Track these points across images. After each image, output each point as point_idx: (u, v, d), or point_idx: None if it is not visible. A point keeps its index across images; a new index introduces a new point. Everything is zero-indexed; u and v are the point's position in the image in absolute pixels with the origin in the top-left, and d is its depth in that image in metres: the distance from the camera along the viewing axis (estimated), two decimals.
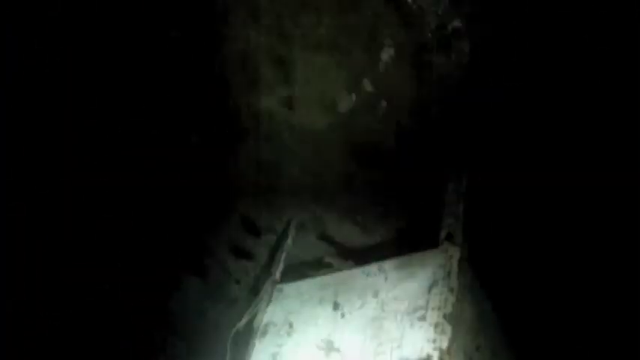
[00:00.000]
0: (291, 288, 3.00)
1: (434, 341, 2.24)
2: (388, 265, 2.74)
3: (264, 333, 2.82)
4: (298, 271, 3.19)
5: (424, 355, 2.22)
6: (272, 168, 3.52)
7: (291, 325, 2.76)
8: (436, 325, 2.30)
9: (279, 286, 3.06)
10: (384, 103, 3.11)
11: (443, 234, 2.68)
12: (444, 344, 2.21)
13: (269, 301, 2.98)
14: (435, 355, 2.19)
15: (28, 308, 3.98)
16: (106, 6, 3.40)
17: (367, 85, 3.13)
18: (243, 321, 2.94)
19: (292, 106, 3.29)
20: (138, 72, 3.56)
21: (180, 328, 4.15)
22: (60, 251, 4.06)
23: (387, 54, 3.02)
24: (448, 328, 2.27)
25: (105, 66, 3.57)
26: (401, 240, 3.11)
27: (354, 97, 3.19)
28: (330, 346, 2.50)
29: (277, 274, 3.13)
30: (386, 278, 2.68)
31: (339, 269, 2.98)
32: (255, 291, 3.51)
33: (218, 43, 3.26)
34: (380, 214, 3.28)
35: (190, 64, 3.44)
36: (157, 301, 4.30)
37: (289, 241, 3.33)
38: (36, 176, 3.82)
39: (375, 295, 2.64)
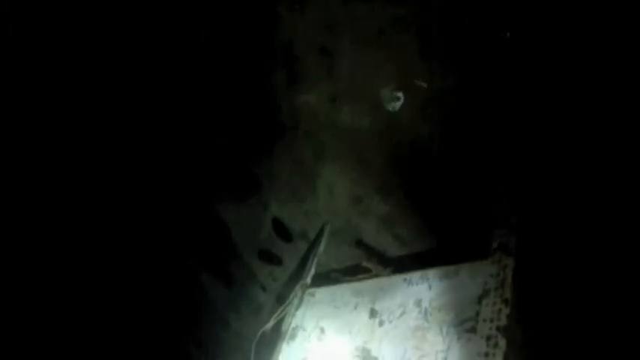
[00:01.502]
0: (323, 293, 2.78)
1: (486, 355, 2.02)
2: (432, 273, 2.51)
3: (293, 337, 2.60)
4: (331, 276, 2.96)
5: None
6: (309, 169, 3.33)
7: (322, 331, 2.53)
8: (488, 338, 2.06)
9: (310, 290, 2.85)
10: (434, 105, 2.92)
11: (495, 244, 2.44)
12: (498, 358, 1.96)
13: (299, 305, 2.77)
14: None
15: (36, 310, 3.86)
16: None
17: (418, 84, 2.95)
18: (271, 323, 2.72)
19: (335, 102, 3.11)
20: (170, 59, 3.44)
21: (203, 338, 3.92)
22: (72, 254, 3.93)
23: (439, 50, 2.84)
24: (502, 342, 2.02)
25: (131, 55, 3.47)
26: (443, 250, 2.86)
27: (402, 95, 2.99)
28: (366, 355, 2.27)
29: (308, 278, 2.90)
30: (430, 287, 2.45)
31: (377, 275, 2.74)
32: (281, 299, 3.29)
33: (261, 31, 3.11)
34: (420, 227, 3.04)
35: (229, 52, 3.30)
36: (180, 310, 4.12)
37: (322, 246, 3.10)
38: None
39: (418, 304, 2.41)
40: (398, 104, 3.03)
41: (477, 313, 2.18)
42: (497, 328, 2.07)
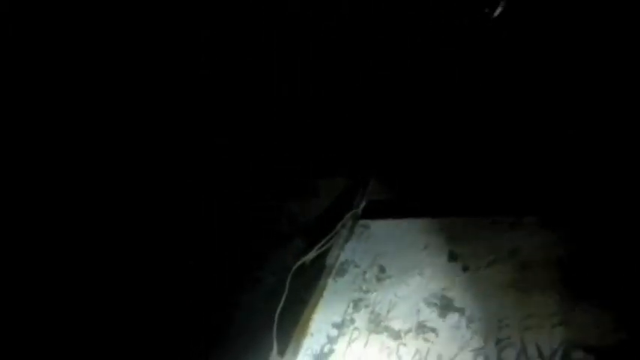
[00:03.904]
0: (380, 227, 2.22)
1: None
2: (530, 220, 1.94)
3: (342, 273, 2.05)
4: (389, 209, 2.36)
5: (611, 343, 1.42)
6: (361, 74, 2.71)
7: (382, 269, 1.97)
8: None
9: (363, 221, 2.27)
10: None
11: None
12: None
13: (348, 237, 2.20)
14: None
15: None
16: None
17: None
18: (312, 254, 2.15)
19: None
20: None
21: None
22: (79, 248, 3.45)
23: None
24: None
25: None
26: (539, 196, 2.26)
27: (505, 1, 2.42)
28: (447, 304, 1.71)
29: (360, 208, 2.33)
30: (530, 235, 1.88)
31: (452, 214, 2.15)
32: (309, 234, 2.70)
33: None
34: (504, 163, 2.43)
35: None
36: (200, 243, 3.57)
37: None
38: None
39: (514, 254, 1.85)
40: (496, 10, 2.45)
41: None
42: None
